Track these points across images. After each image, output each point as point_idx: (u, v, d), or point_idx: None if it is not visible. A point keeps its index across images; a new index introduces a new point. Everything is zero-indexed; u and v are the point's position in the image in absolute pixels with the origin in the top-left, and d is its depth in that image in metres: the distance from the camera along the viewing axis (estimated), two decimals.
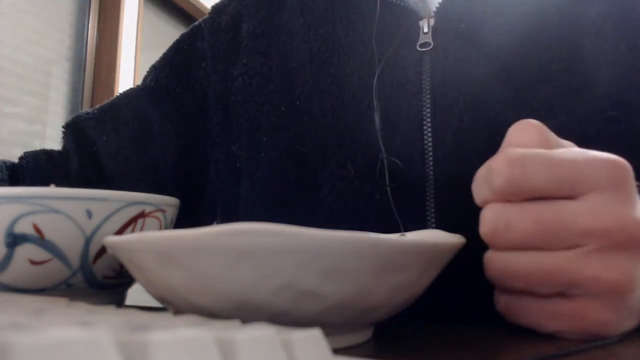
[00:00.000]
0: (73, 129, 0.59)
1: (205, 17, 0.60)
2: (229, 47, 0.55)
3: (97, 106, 0.60)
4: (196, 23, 0.60)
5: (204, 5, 2.93)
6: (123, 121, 0.58)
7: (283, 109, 0.49)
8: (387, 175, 0.43)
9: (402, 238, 0.23)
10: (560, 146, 0.30)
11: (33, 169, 0.56)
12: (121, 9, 2.36)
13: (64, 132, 0.60)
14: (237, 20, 0.56)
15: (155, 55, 0.63)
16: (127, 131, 0.57)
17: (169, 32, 2.86)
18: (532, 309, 0.29)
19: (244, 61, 0.53)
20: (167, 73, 0.58)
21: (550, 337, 0.28)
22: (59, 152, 0.59)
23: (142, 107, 0.58)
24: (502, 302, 0.30)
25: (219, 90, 0.54)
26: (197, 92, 0.56)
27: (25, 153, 0.58)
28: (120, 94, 0.61)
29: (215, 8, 0.60)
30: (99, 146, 0.57)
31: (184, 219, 0.44)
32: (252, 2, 0.56)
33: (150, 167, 0.56)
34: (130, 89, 0.61)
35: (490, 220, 0.28)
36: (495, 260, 0.28)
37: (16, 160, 0.58)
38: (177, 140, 0.56)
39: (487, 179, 0.28)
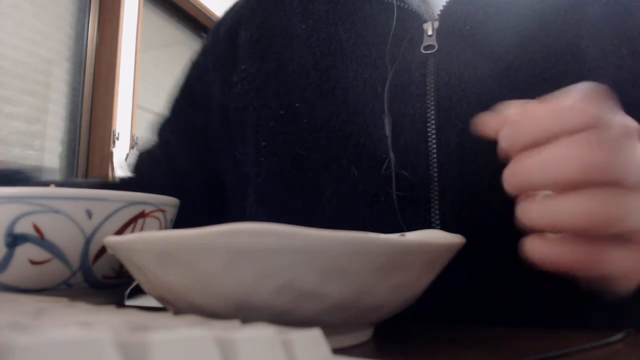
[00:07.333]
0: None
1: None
2: (227, 55, 0.55)
3: (143, 142, 0.63)
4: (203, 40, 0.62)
5: (203, 5, 2.93)
6: (155, 160, 0.61)
7: (281, 112, 0.49)
8: (394, 180, 0.42)
9: (402, 238, 0.23)
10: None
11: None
12: (121, 9, 2.36)
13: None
14: (234, 28, 0.56)
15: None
16: (159, 168, 0.60)
17: (169, 32, 2.86)
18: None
19: (242, 67, 0.53)
20: (177, 97, 0.60)
21: (550, 337, 0.28)
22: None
23: (166, 139, 0.60)
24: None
25: (220, 99, 0.55)
26: (203, 107, 0.57)
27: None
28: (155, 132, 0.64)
29: (216, 23, 0.61)
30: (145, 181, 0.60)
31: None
32: (249, 9, 0.56)
33: (185, 197, 0.58)
34: (158, 124, 0.63)
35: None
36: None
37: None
38: (195, 160, 0.57)
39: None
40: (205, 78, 0.57)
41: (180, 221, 0.40)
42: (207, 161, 0.57)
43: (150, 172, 0.60)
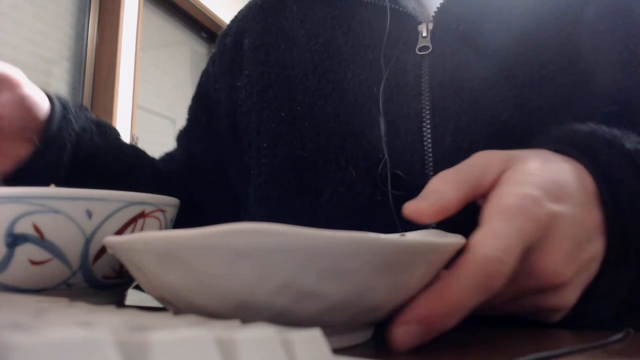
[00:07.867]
0: None
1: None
2: (233, 62, 0.57)
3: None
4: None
5: (203, 5, 2.93)
6: (175, 160, 0.62)
7: (283, 114, 0.50)
8: (389, 180, 0.43)
9: (402, 238, 0.23)
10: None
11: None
12: (121, 9, 2.36)
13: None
14: (239, 37, 0.58)
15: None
16: (179, 166, 0.61)
17: (169, 32, 2.86)
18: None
19: (246, 72, 0.55)
20: (192, 105, 0.62)
21: (550, 337, 0.28)
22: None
23: (186, 146, 0.62)
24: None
25: (227, 105, 0.56)
26: (214, 113, 0.58)
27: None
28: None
29: (222, 32, 0.63)
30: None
31: None
32: (252, 17, 0.58)
33: (204, 195, 0.59)
34: (178, 133, 0.65)
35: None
36: None
37: None
38: (214, 167, 0.58)
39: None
40: (214, 86, 0.59)
41: (197, 222, 0.40)
42: (221, 162, 0.58)
43: (167, 167, 0.61)
